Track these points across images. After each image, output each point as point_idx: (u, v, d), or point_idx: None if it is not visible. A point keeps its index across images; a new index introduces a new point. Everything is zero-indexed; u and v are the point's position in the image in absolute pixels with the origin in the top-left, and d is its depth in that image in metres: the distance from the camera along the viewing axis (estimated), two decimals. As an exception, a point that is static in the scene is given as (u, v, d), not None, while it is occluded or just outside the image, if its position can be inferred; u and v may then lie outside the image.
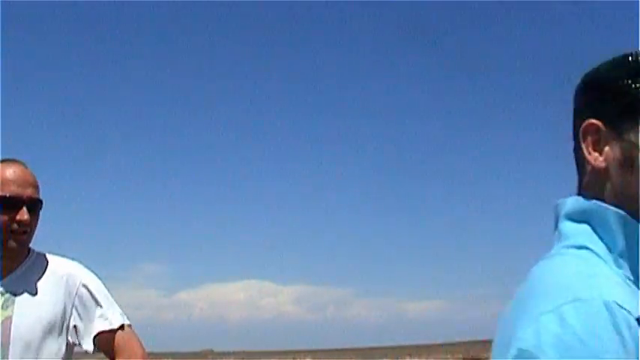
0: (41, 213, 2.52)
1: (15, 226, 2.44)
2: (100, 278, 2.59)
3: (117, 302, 2.60)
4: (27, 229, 2.46)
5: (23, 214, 2.43)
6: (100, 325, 2.49)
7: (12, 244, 2.46)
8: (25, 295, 2.47)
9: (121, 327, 2.52)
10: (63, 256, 2.63)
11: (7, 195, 2.43)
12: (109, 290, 2.59)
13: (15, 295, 2.47)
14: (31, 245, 2.57)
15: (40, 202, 2.49)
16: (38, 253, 2.58)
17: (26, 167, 2.52)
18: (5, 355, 2.40)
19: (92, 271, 2.59)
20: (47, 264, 2.55)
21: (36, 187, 2.49)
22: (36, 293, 2.48)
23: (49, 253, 2.62)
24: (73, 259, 2.62)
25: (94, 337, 2.49)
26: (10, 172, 2.47)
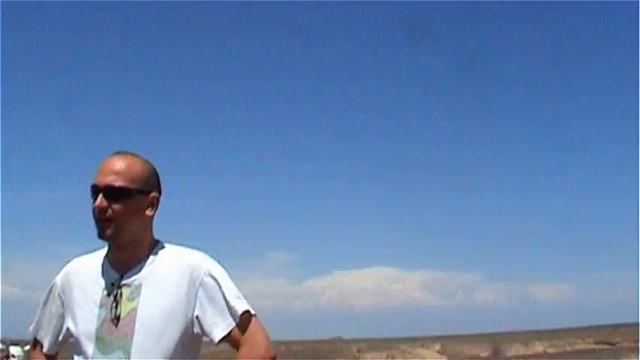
0: (160, 204, 2.56)
1: (95, 213, 2.49)
2: (225, 269, 2.57)
3: (245, 291, 2.57)
4: (103, 217, 2.48)
5: (97, 202, 2.47)
6: (224, 316, 2.48)
7: (101, 233, 2.50)
8: (150, 286, 2.49)
9: (246, 317, 2.49)
10: (190, 247, 2.62)
11: (91, 184, 2.50)
12: (234, 281, 2.56)
13: (141, 286, 2.49)
14: (156, 237, 2.60)
15: (122, 189, 2.48)
16: (163, 244, 2.60)
17: (124, 156, 2.55)
18: (129, 345, 2.43)
19: (217, 262, 2.58)
20: (172, 255, 2.56)
21: (121, 174, 2.50)
22: (161, 284, 2.49)
23: (176, 244, 2.63)
24: (200, 250, 2.61)
25: (219, 327, 2.48)
26: (102, 161, 2.53)
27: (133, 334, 2.44)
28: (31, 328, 2.71)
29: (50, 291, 2.66)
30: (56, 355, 2.76)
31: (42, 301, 2.69)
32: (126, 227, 2.49)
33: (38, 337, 2.71)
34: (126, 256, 2.53)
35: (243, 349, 2.47)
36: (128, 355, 2.43)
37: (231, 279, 2.56)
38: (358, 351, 47.97)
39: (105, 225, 2.48)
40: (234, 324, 2.47)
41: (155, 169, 2.61)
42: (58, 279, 2.65)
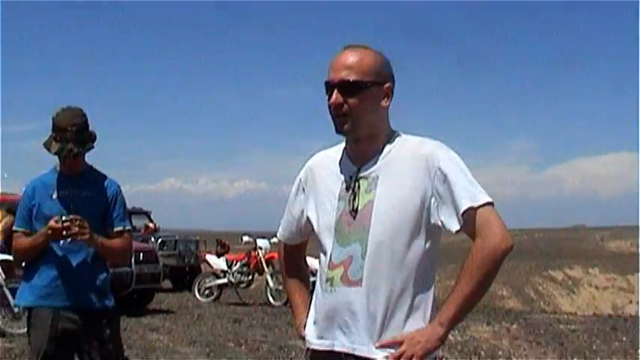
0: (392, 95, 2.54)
1: (331, 109, 2.52)
2: (462, 158, 2.54)
3: (485, 180, 2.53)
4: (339, 112, 2.50)
5: (332, 98, 2.50)
6: (460, 205, 2.44)
7: (338, 128, 2.54)
8: (387, 177, 2.51)
9: (483, 206, 2.44)
10: (426, 136, 2.60)
11: (324, 81, 2.53)
12: (473, 170, 2.52)
13: (377, 178, 2.52)
14: (394, 128, 2.60)
15: (357, 83, 2.49)
16: (400, 134, 2.60)
17: (356, 50, 2.54)
18: (366, 237, 2.48)
19: (454, 151, 2.54)
20: (408, 145, 2.56)
21: (353, 68, 2.49)
22: (397, 175, 2.51)
23: (410, 134, 2.62)
24: (437, 139, 2.59)
25: (455, 217, 2.46)
26: (333, 57, 2.54)
27: (370, 226, 2.48)
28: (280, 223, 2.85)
29: (295, 186, 2.76)
30: (302, 245, 2.89)
31: (289, 196, 2.80)
32: (362, 120, 2.51)
33: (284, 230, 2.85)
34: (363, 148, 2.57)
35: (478, 240, 2.44)
36: (365, 246, 2.48)
37: (469, 168, 2.52)
38: (601, 239, 46.36)
39: (342, 120, 2.51)
40: (469, 214, 2.44)
41: (387, 60, 2.59)
42: (302, 174, 2.74)
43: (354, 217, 2.52)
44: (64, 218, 3.85)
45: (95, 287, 4.03)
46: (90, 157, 4.15)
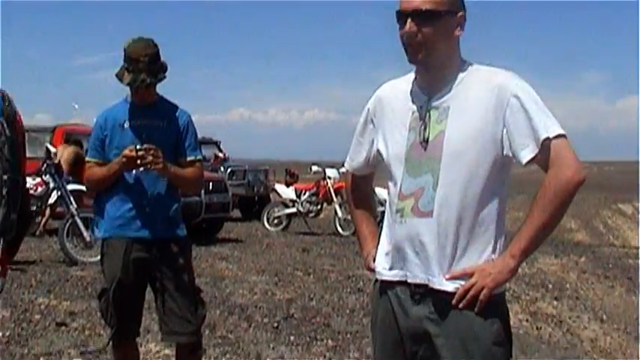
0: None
1: (404, 39, 2.48)
2: (533, 88, 2.48)
3: (557, 112, 2.48)
4: (413, 41, 2.46)
5: (405, 27, 2.46)
6: (532, 137, 2.41)
7: (412, 57, 2.50)
8: (458, 108, 2.48)
9: (555, 138, 2.40)
10: (498, 66, 2.55)
11: (396, 10, 2.49)
12: (545, 101, 2.47)
13: (448, 108, 2.49)
14: (464, 58, 2.56)
15: (431, 12, 2.44)
16: (471, 64, 2.56)
17: None
18: (437, 168, 2.46)
19: (525, 81, 2.49)
20: (480, 75, 2.52)
21: None
22: (468, 106, 2.47)
23: (482, 64, 2.57)
24: (509, 69, 2.54)
25: (526, 148, 2.42)
26: None
27: (441, 156, 2.46)
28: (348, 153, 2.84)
29: (364, 116, 2.74)
30: (370, 175, 2.88)
31: (357, 126, 2.78)
32: (436, 50, 2.47)
33: (352, 160, 2.84)
34: (434, 78, 2.53)
35: (551, 172, 2.41)
36: (437, 177, 2.47)
37: (542, 99, 2.47)
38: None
39: (415, 49, 2.47)
40: (541, 145, 2.40)
41: None
42: (370, 104, 2.72)
43: (425, 148, 2.50)
44: (138, 147, 3.90)
45: (168, 216, 4.09)
46: (159, 88, 4.18)
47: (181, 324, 4.08)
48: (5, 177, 2.86)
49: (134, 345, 4.34)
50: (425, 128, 2.50)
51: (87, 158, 4.20)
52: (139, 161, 3.91)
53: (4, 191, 2.86)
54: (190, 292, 4.15)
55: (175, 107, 4.21)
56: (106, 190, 4.12)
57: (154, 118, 4.12)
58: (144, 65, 3.96)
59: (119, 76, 4.03)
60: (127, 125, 4.08)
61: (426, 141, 2.50)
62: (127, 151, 3.92)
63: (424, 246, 2.48)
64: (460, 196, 2.45)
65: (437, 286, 2.47)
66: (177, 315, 4.07)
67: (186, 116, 4.20)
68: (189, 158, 4.16)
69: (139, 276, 4.10)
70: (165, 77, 4.08)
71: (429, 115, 2.51)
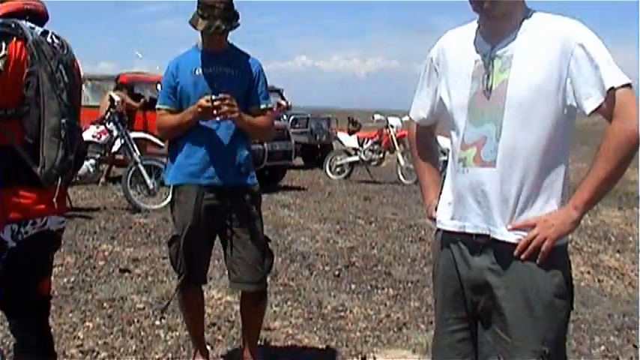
0: None
1: None
2: (600, 38, 2.41)
3: (621, 62, 2.42)
4: None
5: None
6: (596, 87, 2.35)
7: (477, 6, 2.46)
8: (521, 57, 2.43)
9: (621, 88, 2.34)
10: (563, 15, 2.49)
11: None
12: (609, 50, 2.40)
13: (512, 57, 2.44)
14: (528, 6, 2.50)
15: None
16: (535, 13, 2.50)
17: None
18: (500, 117, 2.43)
19: (592, 31, 2.42)
20: (544, 24, 2.46)
21: None
22: (532, 55, 2.42)
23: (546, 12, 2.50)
24: (573, 18, 2.47)
25: (590, 99, 2.37)
26: None
27: (504, 106, 2.43)
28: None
29: (427, 65, 2.72)
30: (433, 125, 2.86)
31: (420, 75, 2.77)
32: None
33: (416, 109, 2.82)
34: (498, 26, 2.49)
35: (615, 123, 2.36)
36: (499, 127, 2.43)
37: (606, 48, 2.41)
38: None
39: None
40: (606, 95, 2.35)
41: None
42: (433, 53, 2.69)
43: (488, 97, 2.47)
44: (213, 97, 3.87)
45: (239, 164, 4.08)
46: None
47: (250, 272, 4.10)
48: (64, 121, 2.94)
49: (200, 292, 4.38)
50: (488, 77, 2.47)
51: (158, 105, 4.18)
52: (215, 111, 3.88)
53: (63, 134, 2.95)
54: (260, 241, 4.16)
55: (246, 56, 4.18)
56: (179, 138, 4.11)
57: (226, 66, 4.08)
58: (219, 12, 3.93)
59: (192, 23, 3.99)
60: (198, 72, 4.05)
61: (489, 90, 2.46)
62: (202, 101, 3.90)
63: (486, 196, 2.46)
64: (523, 146, 2.42)
65: (499, 237, 2.46)
66: (247, 263, 4.09)
67: (257, 64, 4.18)
68: (262, 106, 4.15)
69: (210, 223, 4.09)
70: (239, 25, 4.04)
71: (493, 64, 2.47)
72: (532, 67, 2.40)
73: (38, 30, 3.00)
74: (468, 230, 2.52)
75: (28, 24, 2.99)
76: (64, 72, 2.98)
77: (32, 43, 2.91)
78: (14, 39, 2.90)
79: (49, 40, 3.00)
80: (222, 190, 4.05)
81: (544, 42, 2.41)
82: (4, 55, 2.87)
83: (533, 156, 2.42)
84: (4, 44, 2.88)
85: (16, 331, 3.20)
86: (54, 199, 3.01)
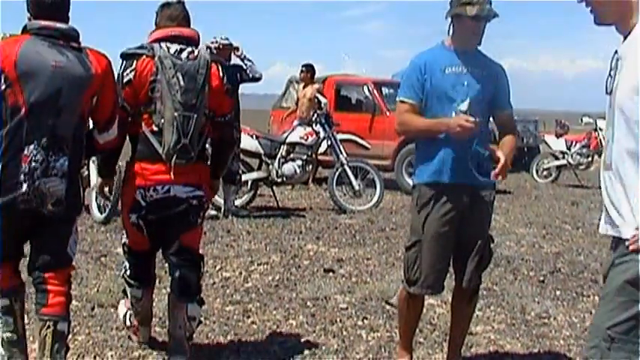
0: None
1: None
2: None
3: None
4: None
5: None
6: None
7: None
8: (627, 61, 2.48)
9: None
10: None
11: None
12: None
13: (620, 59, 2.52)
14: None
15: None
16: None
17: None
18: (612, 122, 2.52)
19: None
20: None
21: None
22: (633, 60, 2.45)
23: None
24: None
25: None
26: None
27: (614, 109, 2.52)
28: None
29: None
30: None
31: None
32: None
33: None
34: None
35: None
36: (612, 130, 2.54)
37: None
38: None
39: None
40: None
41: None
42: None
43: (610, 100, 2.57)
44: (471, 119, 3.81)
45: (480, 164, 3.99)
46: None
47: (474, 272, 4.13)
48: (176, 114, 3.90)
49: (422, 299, 4.32)
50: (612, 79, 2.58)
51: (401, 98, 4.10)
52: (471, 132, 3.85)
53: (176, 124, 3.90)
54: (486, 241, 4.17)
55: (489, 59, 4.12)
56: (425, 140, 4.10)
57: (475, 66, 4.02)
58: None
59: (458, 13, 3.89)
60: (448, 71, 3.99)
61: (610, 92, 2.56)
62: (464, 121, 3.83)
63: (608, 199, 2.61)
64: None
65: (623, 236, 2.55)
66: (475, 264, 4.11)
67: (501, 68, 4.14)
68: (505, 111, 4.13)
69: (451, 225, 4.04)
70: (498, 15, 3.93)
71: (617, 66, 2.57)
72: (631, 72, 2.45)
73: (174, 48, 3.96)
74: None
75: (167, 44, 3.97)
76: (180, 78, 3.91)
77: (158, 59, 3.92)
78: (144, 57, 3.95)
79: (180, 55, 3.96)
80: (464, 189, 4.00)
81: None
82: (134, 69, 3.96)
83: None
84: (135, 62, 3.96)
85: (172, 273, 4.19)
86: (171, 172, 3.95)
